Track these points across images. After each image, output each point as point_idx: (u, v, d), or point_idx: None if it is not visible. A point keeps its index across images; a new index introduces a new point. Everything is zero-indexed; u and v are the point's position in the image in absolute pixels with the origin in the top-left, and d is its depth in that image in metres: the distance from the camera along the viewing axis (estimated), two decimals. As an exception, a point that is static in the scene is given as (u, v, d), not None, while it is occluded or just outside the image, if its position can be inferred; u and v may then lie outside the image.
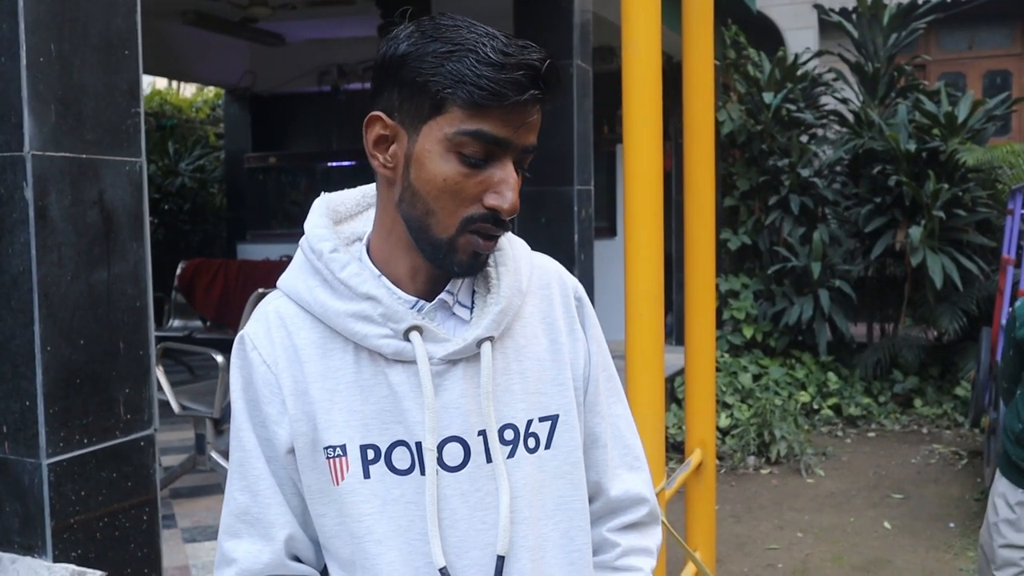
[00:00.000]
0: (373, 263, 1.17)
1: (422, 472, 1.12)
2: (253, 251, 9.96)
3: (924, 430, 7.04)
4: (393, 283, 1.15)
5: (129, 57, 2.28)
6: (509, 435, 1.16)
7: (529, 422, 1.17)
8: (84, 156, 2.16)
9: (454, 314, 1.17)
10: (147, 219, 2.34)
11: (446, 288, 1.17)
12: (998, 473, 2.78)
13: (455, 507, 1.13)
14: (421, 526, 1.12)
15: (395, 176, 1.12)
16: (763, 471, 6.13)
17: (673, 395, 6.85)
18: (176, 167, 11.05)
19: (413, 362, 1.12)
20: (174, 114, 12.20)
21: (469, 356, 1.15)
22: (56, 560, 2.09)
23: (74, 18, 2.14)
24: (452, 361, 1.14)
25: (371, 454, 1.13)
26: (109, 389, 2.23)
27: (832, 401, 7.34)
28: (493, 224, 1.09)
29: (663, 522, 2.25)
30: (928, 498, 5.52)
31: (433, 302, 1.16)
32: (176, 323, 7.53)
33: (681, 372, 6.48)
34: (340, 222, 1.22)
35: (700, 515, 3.18)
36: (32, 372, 2.07)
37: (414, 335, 1.12)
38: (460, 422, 1.13)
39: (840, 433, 7.02)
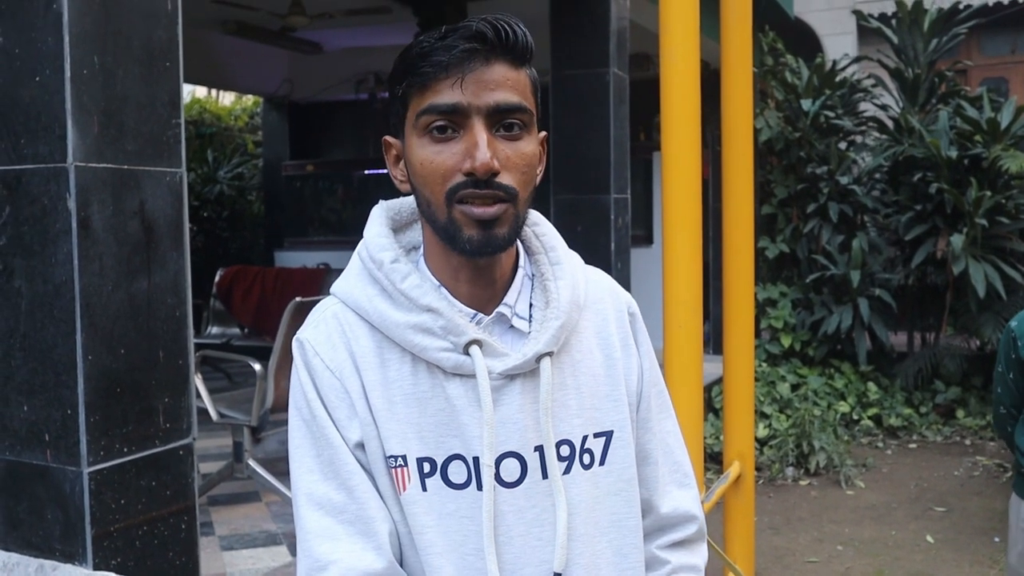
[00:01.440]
0: (431, 272, 1.16)
1: (478, 487, 1.11)
2: (290, 258, 10.03)
3: (967, 441, 6.93)
4: (449, 290, 1.15)
5: (171, 68, 2.30)
6: (565, 451, 1.15)
7: (584, 438, 1.17)
8: (126, 167, 2.18)
9: (512, 327, 1.17)
10: (187, 229, 2.36)
11: (503, 301, 1.16)
12: (1018, 499, 2.64)
13: (511, 523, 1.12)
14: (475, 541, 1.11)
15: (410, 187, 1.15)
16: (802, 482, 6.06)
17: (711, 404, 6.80)
18: (215, 175, 11.16)
19: (472, 376, 1.12)
20: (213, 122, 12.33)
21: (527, 371, 1.14)
22: (96, 568, 2.11)
23: (117, 30, 2.16)
24: (510, 376, 1.13)
25: (427, 467, 1.12)
26: (149, 398, 2.25)
27: (872, 411, 7.25)
28: (474, 187, 1.07)
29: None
30: (972, 511, 5.42)
31: (491, 315, 1.15)
32: (214, 330, 7.60)
33: (718, 381, 6.44)
34: (398, 230, 1.22)
35: (739, 528, 3.15)
36: (74, 381, 2.09)
37: (474, 349, 1.11)
38: (517, 437, 1.12)
39: (880, 444, 6.93)
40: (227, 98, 13.40)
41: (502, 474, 1.12)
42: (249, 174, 11.72)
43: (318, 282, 7.20)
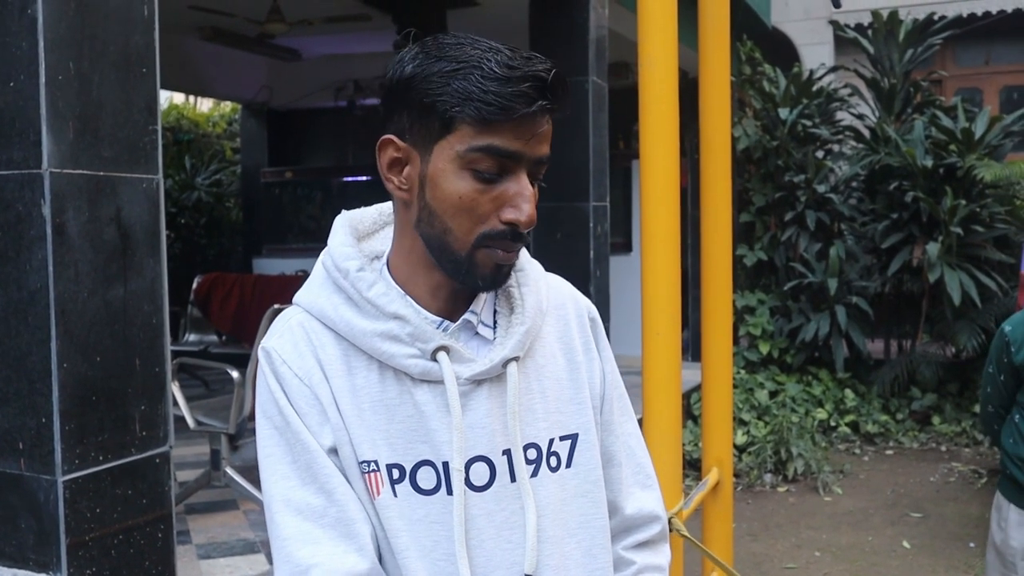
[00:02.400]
0: (395, 280, 1.16)
1: (448, 492, 1.11)
2: (269, 265, 9.99)
3: (943, 448, 6.98)
4: (415, 299, 1.15)
5: (147, 74, 2.29)
6: (532, 454, 1.16)
7: (551, 441, 1.18)
8: (102, 173, 2.17)
9: (478, 334, 1.17)
10: (163, 236, 2.35)
11: (470, 308, 1.17)
12: (1004, 499, 2.71)
13: (481, 527, 1.13)
14: (446, 546, 1.11)
15: (411, 197, 1.12)
16: (780, 489, 6.08)
17: (689, 411, 6.82)
18: (193, 181, 11.10)
19: (439, 382, 1.12)
20: (191, 128, 12.26)
21: (494, 376, 1.15)
22: (71, 577, 2.09)
23: (93, 35, 2.15)
24: (477, 381, 1.14)
25: (396, 473, 1.12)
26: (125, 406, 2.23)
27: (849, 418, 7.29)
28: (511, 239, 1.09)
29: (688, 536, 2.23)
30: (947, 517, 5.46)
31: (458, 322, 1.16)
32: (192, 337, 7.55)
33: (697, 388, 6.46)
34: (360, 240, 1.22)
35: (717, 534, 3.15)
36: (48, 389, 2.07)
37: (442, 355, 1.12)
38: (486, 442, 1.13)
39: (858, 451, 6.96)
40: (205, 104, 13.33)
41: (472, 478, 1.13)
42: (227, 181, 11.66)
43: (296, 289, 7.14)
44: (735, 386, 6.94)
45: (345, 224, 1.21)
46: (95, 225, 2.16)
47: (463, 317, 1.16)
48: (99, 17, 2.16)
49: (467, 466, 1.12)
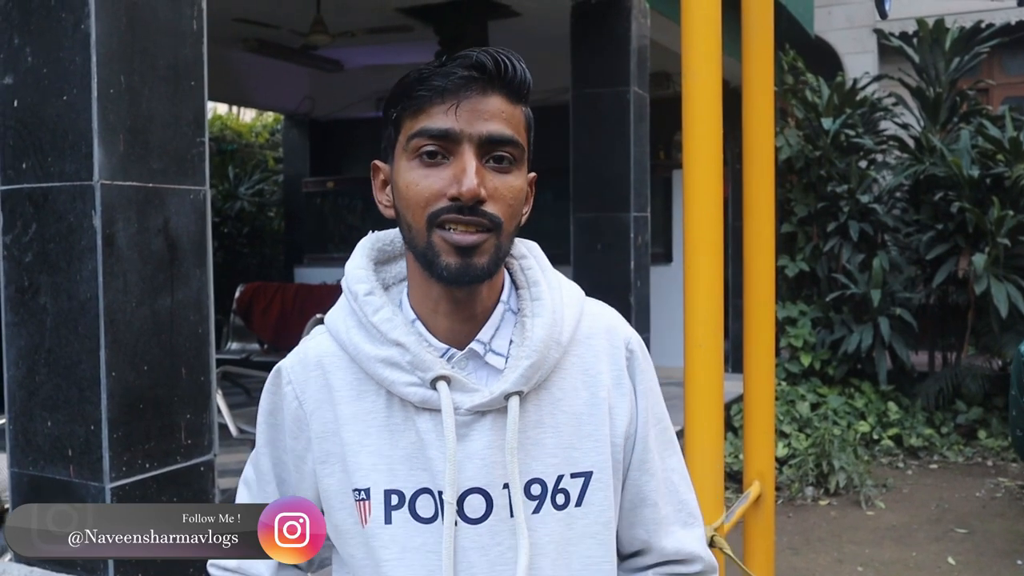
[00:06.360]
0: (411, 305, 1.16)
1: (444, 522, 1.11)
2: (310, 275, 10.07)
3: (989, 463, 6.86)
4: (426, 323, 1.14)
5: (195, 87, 2.32)
6: (536, 490, 1.13)
7: (560, 477, 1.14)
8: (150, 185, 2.20)
9: (487, 363, 1.15)
10: (210, 247, 2.38)
11: (477, 336, 1.15)
12: None
13: (473, 560, 1.11)
14: None
15: (394, 212, 1.14)
16: (821, 502, 6.01)
17: (729, 423, 6.76)
18: (235, 191, 11.23)
19: (440, 411, 1.11)
20: (234, 139, 12.41)
21: (498, 408, 1.12)
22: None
23: (144, 49, 2.19)
24: (480, 412, 1.12)
25: (395, 500, 1.12)
26: (171, 414, 2.26)
27: (892, 431, 7.19)
28: (458, 212, 1.07)
29: (729, 555, 2.21)
30: (994, 533, 5.36)
31: (464, 351, 1.14)
32: (234, 346, 7.64)
33: (737, 400, 6.40)
34: (387, 261, 1.22)
35: (759, 548, 3.12)
36: (97, 397, 2.10)
37: (440, 384, 1.11)
38: (484, 474, 1.11)
39: (901, 464, 6.86)
40: (248, 115, 13.50)
41: (466, 510, 1.11)
42: (269, 190, 11.79)
43: (337, 298, 7.22)
44: (776, 398, 6.88)
45: (365, 246, 1.21)
46: (144, 236, 2.19)
47: (469, 346, 1.14)
48: (149, 31, 2.20)
49: (462, 498, 1.11)
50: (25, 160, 2.17)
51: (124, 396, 2.14)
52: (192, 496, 2.31)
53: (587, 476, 1.15)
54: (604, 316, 1.23)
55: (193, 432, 2.31)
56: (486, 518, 1.11)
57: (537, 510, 1.13)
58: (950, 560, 4.94)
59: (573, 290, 1.22)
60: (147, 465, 2.19)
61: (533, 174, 1.16)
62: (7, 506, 2.48)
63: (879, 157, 8.13)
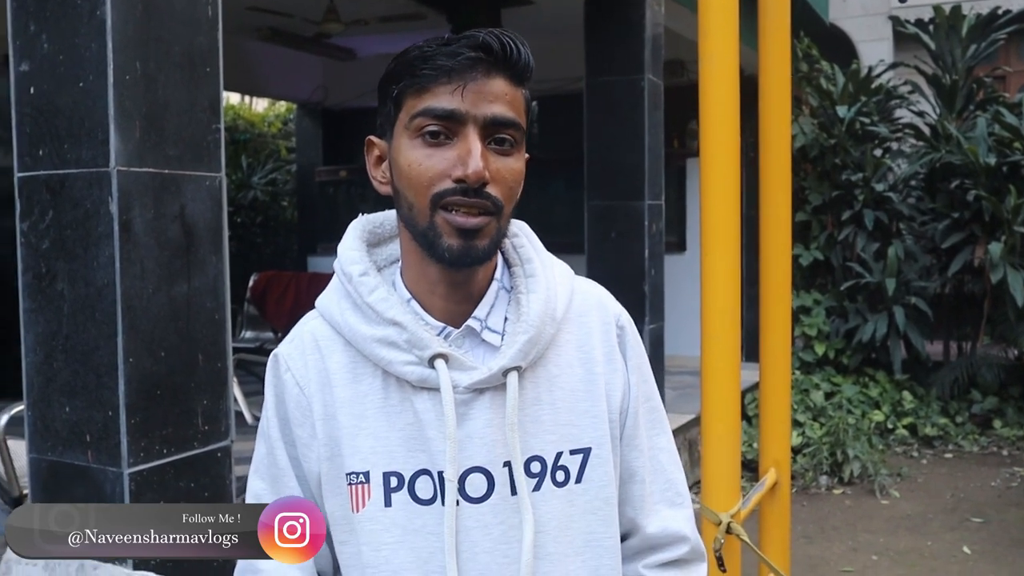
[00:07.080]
0: (406, 285, 1.16)
1: (444, 503, 1.10)
2: (323, 263, 10.07)
3: (1004, 452, 6.83)
4: (422, 303, 1.14)
5: (211, 74, 2.32)
6: (536, 467, 1.13)
7: (559, 454, 1.14)
8: (167, 171, 2.21)
9: (484, 340, 1.15)
10: (226, 233, 2.38)
11: (473, 314, 1.15)
12: None
13: (476, 539, 1.10)
14: (441, 558, 1.10)
15: (390, 188, 1.14)
16: (836, 491, 6.00)
17: (744, 412, 6.75)
18: (249, 180, 11.25)
19: (438, 390, 1.10)
20: (247, 128, 12.42)
21: (496, 385, 1.12)
22: (136, 567, 2.13)
23: (159, 36, 2.19)
24: (479, 390, 1.12)
25: (394, 482, 1.11)
26: (188, 400, 2.27)
27: (907, 421, 7.16)
28: (462, 195, 1.06)
29: (745, 540, 2.21)
30: (1010, 523, 5.34)
31: (460, 329, 1.14)
32: (248, 334, 7.65)
33: (752, 388, 6.39)
34: (379, 244, 1.22)
35: (774, 536, 3.12)
36: (115, 383, 2.11)
37: (439, 363, 1.10)
38: (484, 452, 1.11)
39: (916, 454, 6.84)
40: (260, 104, 13.50)
41: (467, 489, 1.11)
42: (283, 180, 11.79)
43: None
44: (791, 387, 6.86)
45: (357, 228, 1.21)
46: (160, 222, 2.19)
47: (466, 323, 1.14)
48: (165, 18, 2.20)
49: (463, 477, 1.10)
50: (42, 147, 2.18)
51: (141, 382, 2.15)
52: (209, 482, 2.32)
53: (586, 452, 1.16)
54: (595, 292, 1.24)
55: (210, 418, 2.31)
56: (488, 497, 1.11)
57: (537, 488, 1.13)
58: (965, 549, 4.93)
59: (564, 268, 1.23)
60: (164, 451, 2.20)
61: (528, 155, 1.16)
62: (26, 491, 2.50)
63: (894, 145, 8.08)
